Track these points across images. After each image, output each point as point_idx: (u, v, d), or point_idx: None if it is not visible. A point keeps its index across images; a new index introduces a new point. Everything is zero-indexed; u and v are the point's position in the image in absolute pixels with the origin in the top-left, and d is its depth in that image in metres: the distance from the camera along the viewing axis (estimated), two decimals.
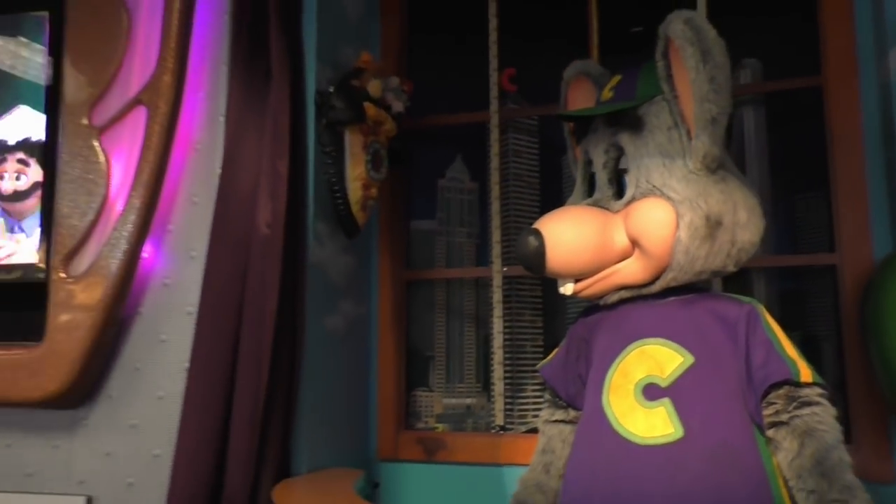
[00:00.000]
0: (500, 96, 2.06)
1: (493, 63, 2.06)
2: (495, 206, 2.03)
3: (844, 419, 1.68)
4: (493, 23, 2.07)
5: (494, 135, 2.05)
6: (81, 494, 1.64)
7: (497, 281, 1.99)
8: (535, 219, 1.52)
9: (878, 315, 1.48)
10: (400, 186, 2.09)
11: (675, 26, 1.26)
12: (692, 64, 1.24)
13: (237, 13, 1.68)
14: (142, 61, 1.66)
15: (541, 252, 1.31)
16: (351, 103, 1.70)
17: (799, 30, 1.90)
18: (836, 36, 1.78)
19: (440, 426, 2.09)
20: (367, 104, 1.74)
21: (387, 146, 1.85)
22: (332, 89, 1.72)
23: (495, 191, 2.03)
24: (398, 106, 1.85)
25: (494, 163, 2.04)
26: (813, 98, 1.82)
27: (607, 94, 1.45)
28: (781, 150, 1.94)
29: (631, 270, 1.31)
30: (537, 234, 1.32)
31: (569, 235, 1.32)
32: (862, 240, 1.69)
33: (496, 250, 2.01)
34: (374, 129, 1.78)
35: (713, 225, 1.24)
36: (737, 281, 1.85)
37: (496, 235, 2.01)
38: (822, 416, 1.17)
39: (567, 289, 1.38)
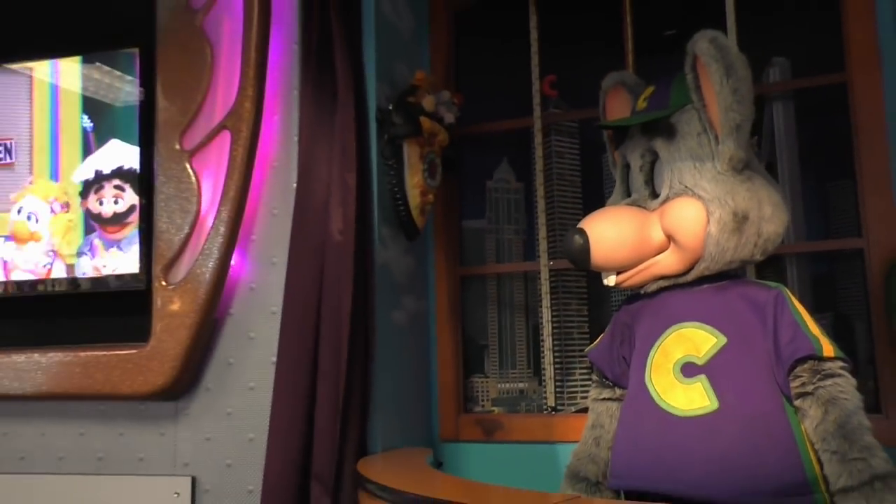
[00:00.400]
0: (542, 101, 2.23)
1: (535, 72, 2.23)
2: (540, 205, 2.19)
3: (874, 391, 1.82)
4: (533, 34, 2.24)
5: (538, 138, 2.22)
6: (187, 475, 1.86)
7: (544, 274, 2.15)
8: (578, 215, 1.67)
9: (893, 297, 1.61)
10: (452, 190, 2.26)
11: (701, 44, 1.41)
12: (717, 78, 1.39)
13: (306, 41, 1.88)
14: (224, 90, 1.86)
15: (586, 249, 1.48)
16: (409, 119, 1.88)
17: (824, 28, 2.01)
18: (859, 33, 1.90)
19: (496, 409, 2.27)
20: (422, 118, 1.92)
21: (440, 155, 2.03)
22: (391, 106, 1.90)
23: (540, 190, 2.20)
24: (450, 117, 2.03)
25: (538, 164, 2.21)
26: (839, 93, 1.94)
27: (642, 103, 1.60)
28: (810, 142, 2.06)
29: (668, 262, 1.47)
30: (582, 232, 1.49)
31: (610, 233, 1.48)
32: (887, 224, 1.81)
33: (543, 245, 2.17)
34: (429, 140, 1.96)
35: (740, 220, 1.40)
36: (771, 266, 1.99)
37: (542, 232, 2.18)
38: (844, 386, 1.32)
39: (610, 280, 1.55)
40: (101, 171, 2.02)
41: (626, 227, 1.49)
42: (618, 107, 1.73)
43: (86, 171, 2.03)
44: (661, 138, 1.52)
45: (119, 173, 2.00)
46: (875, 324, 1.82)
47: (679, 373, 1.41)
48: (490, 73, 2.35)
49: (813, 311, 1.96)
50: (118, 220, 1.99)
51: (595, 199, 2.15)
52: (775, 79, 2.06)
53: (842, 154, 1.94)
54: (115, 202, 1.99)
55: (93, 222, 2.02)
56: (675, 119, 1.51)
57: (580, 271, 2.10)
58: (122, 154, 2.00)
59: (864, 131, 1.87)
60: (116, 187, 2.00)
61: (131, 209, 1.97)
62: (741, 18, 2.02)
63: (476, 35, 2.34)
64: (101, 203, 2.01)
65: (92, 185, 2.02)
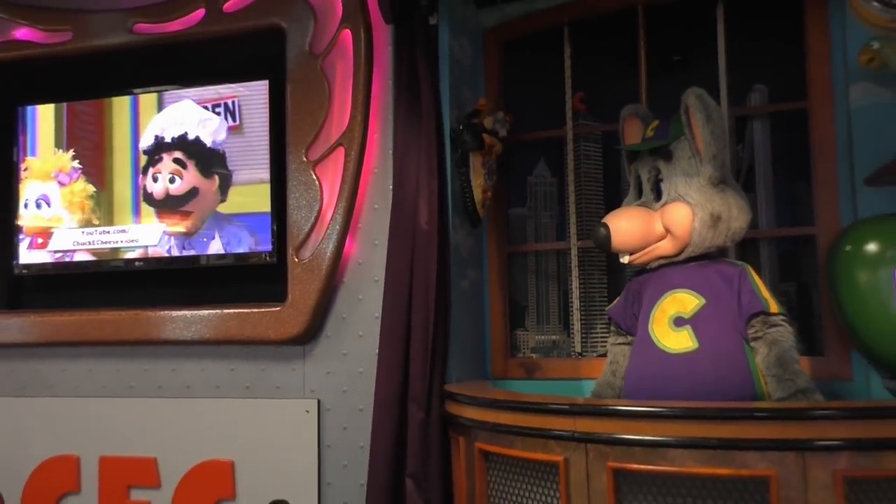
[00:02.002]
0: (573, 114, 2.83)
1: (568, 91, 2.83)
2: (571, 197, 2.81)
3: (820, 339, 2.46)
4: (567, 61, 2.83)
5: (569, 144, 2.82)
6: (314, 398, 2.56)
7: (574, 251, 2.79)
8: (600, 205, 2.29)
9: (833, 270, 2.24)
10: (503, 185, 2.88)
11: (691, 98, 2.03)
12: (700, 122, 2.01)
13: (399, 77, 2.48)
14: (339, 116, 2.50)
15: (608, 237, 2.12)
16: (474, 137, 2.50)
17: (795, 64, 2.58)
18: (818, 71, 2.48)
19: (534, 355, 2.93)
20: (484, 135, 2.54)
21: (496, 161, 2.66)
22: (461, 126, 2.52)
23: (571, 185, 2.82)
24: (503, 132, 2.64)
25: (570, 164, 2.82)
26: (802, 115, 2.53)
27: (650, 132, 2.22)
28: (781, 151, 2.66)
29: (666, 247, 2.10)
30: (605, 226, 2.12)
31: (626, 227, 2.12)
32: (831, 217, 2.42)
33: (573, 229, 2.80)
34: (489, 151, 2.58)
35: (716, 219, 2.02)
36: (750, 246, 2.62)
37: (572, 218, 2.80)
38: (783, 332, 1.95)
39: (625, 259, 2.19)
40: (161, 138, 2.60)
41: (637, 221, 2.12)
42: (632, 131, 2.34)
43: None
44: (662, 160, 2.15)
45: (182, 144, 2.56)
46: (822, 291, 2.45)
47: (672, 324, 2.05)
48: (532, 91, 2.94)
49: (780, 281, 2.65)
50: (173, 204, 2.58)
51: (613, 193, 2.79)
52: (756, 102, 2.66)
53: (803, 162, 2.54)
54: (171, 180, 2.57)
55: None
56: (673, 146, 2.13)
57: (603, 252, 2.74)
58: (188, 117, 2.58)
59: (819, 145, 2.46)
60: (176, 161, 2.57)
61: (191, 193, 2.58)
62: (731, 51, 2.60)
63: (521, 62, 2.93)
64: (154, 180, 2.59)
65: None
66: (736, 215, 2.06)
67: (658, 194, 2.17)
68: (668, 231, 2.09)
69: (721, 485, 1.58)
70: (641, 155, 2.24)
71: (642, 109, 2.38)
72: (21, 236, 2.95)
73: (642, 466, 1.65)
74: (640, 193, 2.26)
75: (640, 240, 2.12)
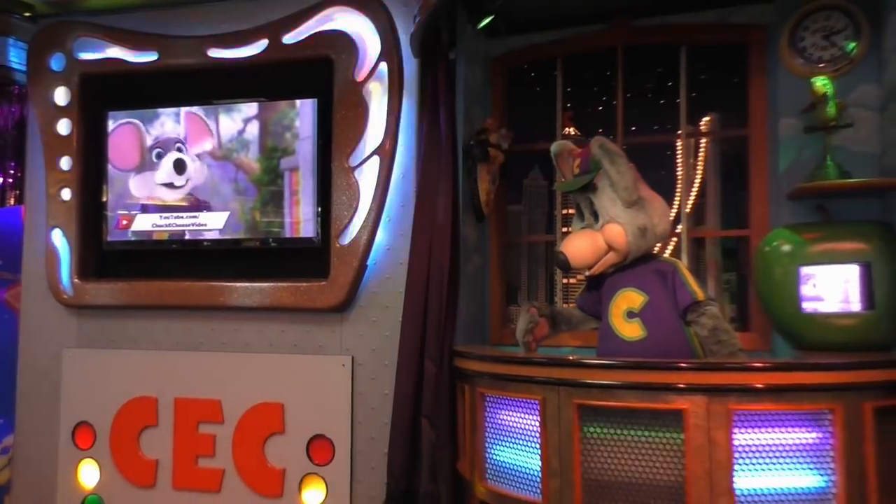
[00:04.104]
0: (563, 130, 3.46)
1: (559, 110, 3.45)
2: (558, 198, 3.46)
3: (746, 320, 3.12)
4: (559, 86, 3.45)
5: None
6: (348, 355, 3.21)
7: (559, 242, 3.43)
8: None
9: (757, 265, 2.89)
10: (503, 187, 3.51)
11: (594, 149, 2.58)
12: (607, 166, 2.55)
13: (423, 101, 3.10)
14: (374, 131, 3.13)
15: (566, 261, 2.65)
16: (482, 152, 3.13)
17: (740, 96, 3.21)
18: (756, 105, 3.10)
19: None
20: (490, 149, 3.17)
21: (499, 169, 3.29)
22: (472, 142, 3.15)
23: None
24: (505, 145, 3.26)
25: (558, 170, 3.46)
26: (744, 140, 3.16)
27: (575, 169, 2.76)
28: (728, 167, 3.31)
29: (612, 259, 2.64)
30: (562, 253, 2.65)
31: (578, 250, 2.63)
32: (760, 222, 3.06)
33: (558, 224, 3.45)
34: (493, 161, 3.22)
35: (643, 230, 2.57)
36: (698, 244, 3.27)
37: (559, 215, 3.45)
38: (712, 313, 2.52)
39: (586, 273, 2.72)
40: None
41: (585, 243, 2.64)
42: (564, 165, 2.85)
43: None
44: (590, 192, 2.67)
45: None
46: (752, 281, 3.10)
47: (626, 317, 2.62)
48: (530, 110, 3.57)
49: (724, 271, 3.31)
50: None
51: None
52: (708, 128, 3.30)
53: (744, 177, 3.18)
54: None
55: None
56: (596, 179, 2.64)
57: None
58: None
59: (754, 165, 3.10)
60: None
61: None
62: (690, 85, 3.22)
63: (522, 85, 3.56)
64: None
65: None
66: (657, 222, 2.61)
67: (596, 217, 2.69)
68: (609, 246, 2.63)
69: (650, 415, 2.24)
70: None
71: (569, 145, 2.88)
72: (109, 215, 3.58)
73: (598, 402, 2.30)
74: (582, 216, 2.79)
75: (592, 257, 2.65)
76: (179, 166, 3.45)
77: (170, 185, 3.47)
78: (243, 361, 3.32)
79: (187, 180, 3.45)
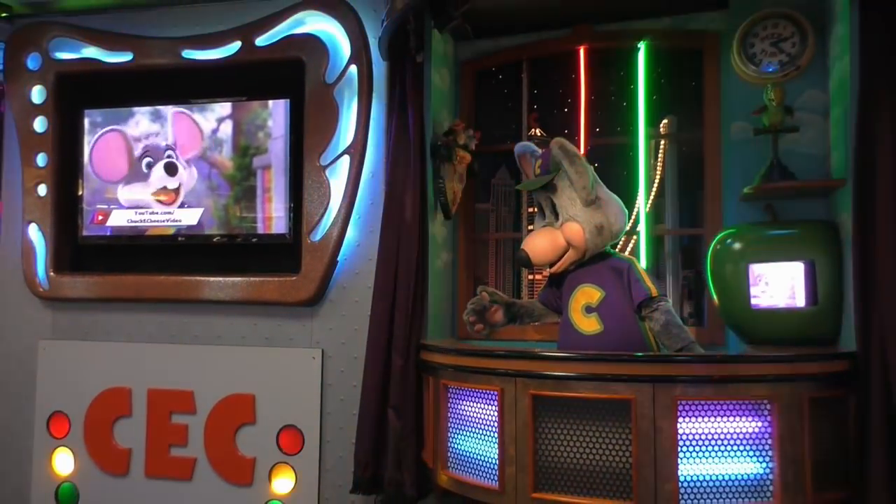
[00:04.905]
0: (529, 131, 3.57)
1: (525, 111, 3.56)
2: (524, 196, 3.57)
3: (702, 316, 3.26)
4: (524, 88, 3.56)
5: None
6: (318, 348, 3.32)
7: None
8: None
9: (710, 263, 3.03)
10: (470, 186, 3.61)
11: (555, 150, 2.70)
12: (566, 166, 2.67)
13: (392, 102, 3.19)
14: (344, 131, 3.23)
15: (528, 259, 2.78)
16: (449, 152, 3.23)
17: (697, 100, 3.35)
18: (710, 109, 3.24)
19: None
20: (457, 149, 3.28)
21: (466, 168, 3.40)
22: (439, 143, 3.25)
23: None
24: (472, 145, 3.37)
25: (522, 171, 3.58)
26: (699, 141, 3.30)
27: (537, 170, 2.89)
28: (685, 168, 3.44)
29: (571, 256, 2.76)
30: (524, 251, 2.77)
31: (539, 248, 2.75)
32: (714, 222, 3.20)
33: (524, 222, 3.56)
34: (460, 161, 3.32)
35: (600, 228, 2.69)
36: (657, 242, 3.40)
37: (524, 213, 3.56)
38: (664, 308, 2.65)
39: (548, 270, 2.86)
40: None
41: (545, 241, 2.75)
42: (527, 165, 2.98)
43: None
44: (551, 192, 2.79)
45: None
46: (707, 277, 3.23)
47: (584, 311, 2.74)
48: (497, 111, 3.69)
49: (683, 268, 3.43)
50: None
51: None
52: (668, 129, 3.43)
53: (700, 178, 3.31)
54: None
55: None
56: (556, 179, 2.76)
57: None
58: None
59: (709, 166, 3.24)
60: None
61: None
62: (649, 88, 3.34)
63: (489, 87, 3.67)
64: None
65: None
66: (613, 221, 2.72)
67: (557, 215, 2.80)
68: (569, 244, 2.74)
69: (601, 404, 2.37)
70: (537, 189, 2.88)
71: (530, 147, 3.01)
72: (86, 209, 3.65)
73: (552, 393, 2.42)
74: (544, 215, 2.90)
75: (552, 254, 2.76)
76: (171, 169, 3.52)
77: (163, 190, 3.54)
78: (216, 354, 3.41)
79: (179, 184, 3.52)
